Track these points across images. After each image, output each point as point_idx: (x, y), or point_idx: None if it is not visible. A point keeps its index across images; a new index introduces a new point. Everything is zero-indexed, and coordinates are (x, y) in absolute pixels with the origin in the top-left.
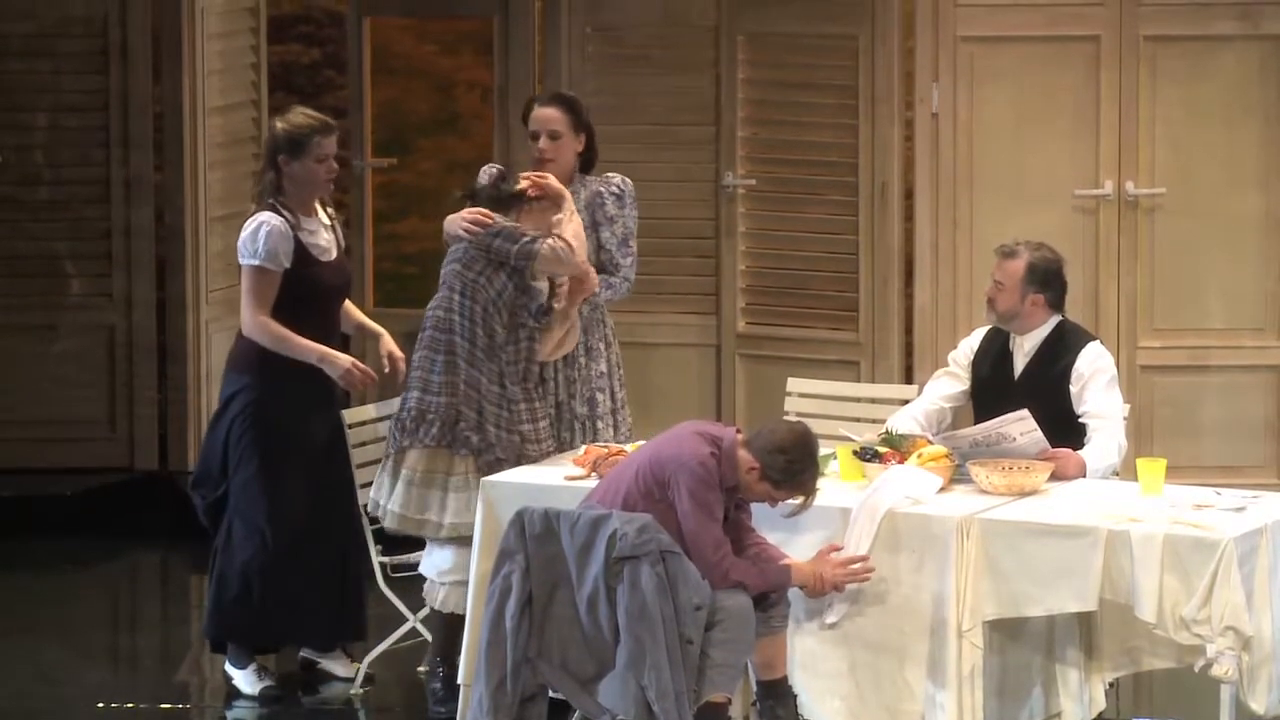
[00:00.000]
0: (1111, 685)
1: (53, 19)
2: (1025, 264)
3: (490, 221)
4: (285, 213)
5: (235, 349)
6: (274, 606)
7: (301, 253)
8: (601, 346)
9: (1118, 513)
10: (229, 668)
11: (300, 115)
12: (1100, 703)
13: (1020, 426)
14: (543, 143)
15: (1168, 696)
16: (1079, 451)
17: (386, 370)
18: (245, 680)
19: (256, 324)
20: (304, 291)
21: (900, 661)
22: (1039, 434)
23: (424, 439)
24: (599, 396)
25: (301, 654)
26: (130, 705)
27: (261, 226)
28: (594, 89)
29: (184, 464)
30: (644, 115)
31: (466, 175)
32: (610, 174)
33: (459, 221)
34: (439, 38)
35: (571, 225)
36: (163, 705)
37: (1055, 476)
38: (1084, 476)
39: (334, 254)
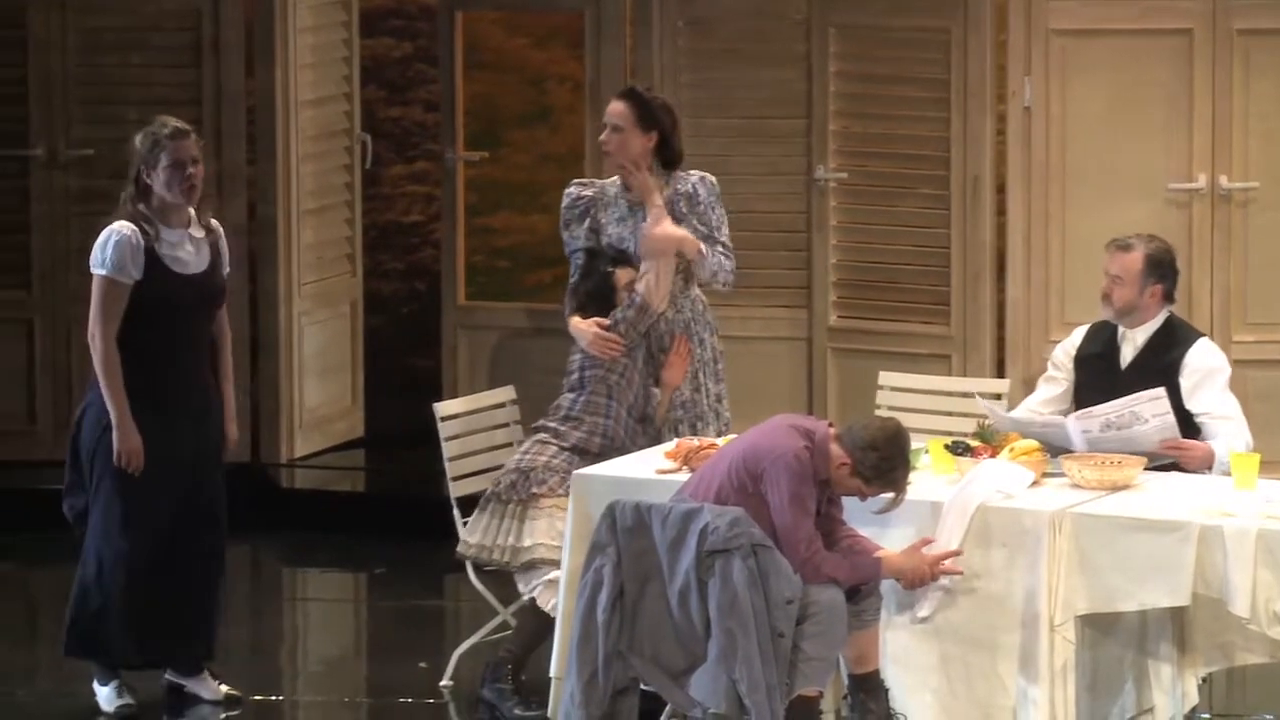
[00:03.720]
0: (1204, 680)
1: (146, 13)
2: (1143, 256)
3: (618, 341)
4: (143, 224)
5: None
6: (133, 626)
7: (154, 264)
8: (707, 335)
9: (1211, 507)
10: (94, 683)
11: (157, 123)
12: (1193, 697)
13: (1154, 407)
14: (605, 134)
15: (1261, 692)
16: (1210, 442)
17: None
18: (105, 697)
19: (97, 336)
20: (155, 304)
21: (992, 656)
22: (1171, 418)
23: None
24: (710, 385)
25: (166, 677)
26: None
27: (111, 236)
28: (685, 82)
29: (275, 457)
30: (735, 109)
31: (559, 169)
32: (691, 171)
33: (598, 347)
34: (531, 31)
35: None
36: (255, 697)
37: (1179, 467)
38: (1209, 469)
39: (199, 268)
